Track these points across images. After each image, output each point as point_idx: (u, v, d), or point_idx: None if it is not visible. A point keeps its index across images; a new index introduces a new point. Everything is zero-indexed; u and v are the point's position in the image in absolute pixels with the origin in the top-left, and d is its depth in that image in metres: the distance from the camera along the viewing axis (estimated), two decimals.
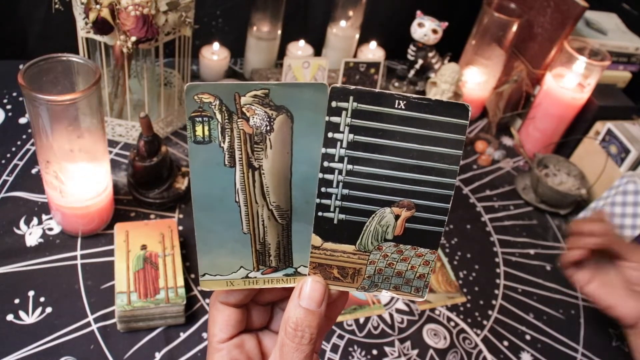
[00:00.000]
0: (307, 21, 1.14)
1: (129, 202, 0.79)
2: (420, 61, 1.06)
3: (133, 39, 0.71)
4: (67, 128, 0.61)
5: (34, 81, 0.59)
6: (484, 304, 0.80)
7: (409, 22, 1.03)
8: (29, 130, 0.85)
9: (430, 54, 1.05)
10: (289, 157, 0.35)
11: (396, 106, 0.33)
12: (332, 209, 0.35)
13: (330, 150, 0.34)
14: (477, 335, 0.75)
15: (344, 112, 0.33)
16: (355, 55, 1.12)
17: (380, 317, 0.74)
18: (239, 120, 0.34)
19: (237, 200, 0.35)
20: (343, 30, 1.08)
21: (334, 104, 0.33)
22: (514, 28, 1.00)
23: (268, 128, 0.34)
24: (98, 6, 0.69)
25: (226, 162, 0.34)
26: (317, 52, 1.10)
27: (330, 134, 0.33)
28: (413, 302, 0.77)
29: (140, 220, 0.77)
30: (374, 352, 0.70)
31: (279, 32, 1.03)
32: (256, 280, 0.37)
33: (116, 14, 0.70)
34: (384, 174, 0.34)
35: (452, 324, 0.76)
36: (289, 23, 1.04)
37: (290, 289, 0.36)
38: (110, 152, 0.85)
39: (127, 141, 0.88)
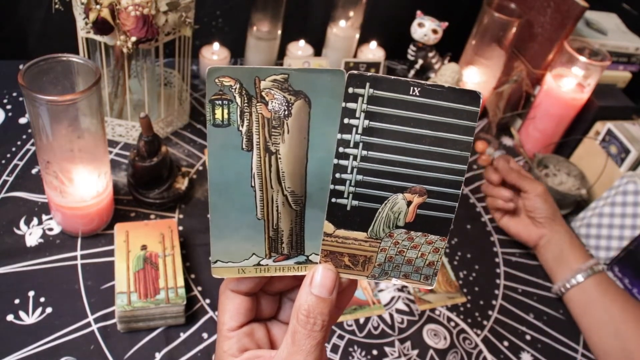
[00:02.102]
0: (307, 21, 1.14)
1: (129, 202, 0.79)
2: (420, 61, 1.06)
3: (133, 39, 0.71)
4: (67, 128, 0.60)
5: (34, 81, 0.59)
6: (484, 304, 0.80)
7: (409, 22, 1.03)
8: (29, 130, 0.85)
9: (430, 54, 1.05)
10: (306, 142, 0.35)
11: (411, 93, 0.33)
12: (345, 195, 0.35)
13: (346, 136, 0.34)
14: (477, 335, 0.75)
15: (360, 99, 0.33)
16: (355, 55, 1.12)
17: (380, 317, 0.74)
18: (258, 104, 0.34)
19: (252, 184, 0.35)
20: (343, 30, 1.08)
21: (350, 90, 0.33)
22: (514, 28, 1.00)
23: (286, 113, 0.34)
24: (98, 6, 0.69)
25: (244, 146, 0.35)
26: (317, 52, 1.10)
27: (346, 120, 0.34)
28: (419, 298, 0.77)
29: (140, 220, 0.77)
30: (374, 352, 0.70)
31: (279, 32, 1.03)
32: (268, 268, 0.37)
33: (116, 14, 0.70)
34: (397, 159, 0.34)
35: (452, 324, 0.76)
36: (289, 23, 1.04)
37: (300, 279, 0.36)
38: (110, 152, 0.85)
39: (127, 141, 0.88)
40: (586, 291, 0.77)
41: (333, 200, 0.35)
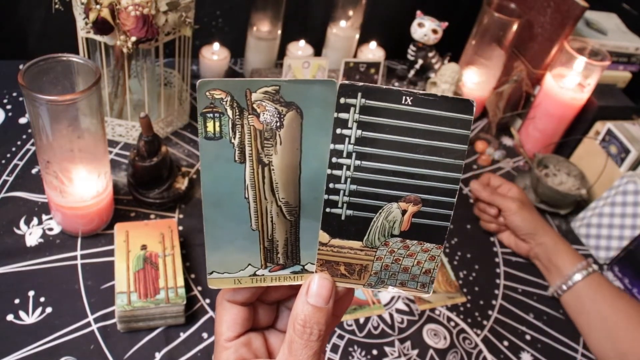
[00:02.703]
0: (307, 21, 1.14)
1: (129, 202, 0.79)
2: (420, 61, 1.06)
3: (133, 39, 0.71)
4: (67, 128, 0.61)
5: (34, 81, 0.59)
6: (484, 304, 0.80)
7: (409, 22, 1.03)
8: (29, 130, 0.85)
9: (430, 54, 1.05)
10: (299, 153, 0.35)
11: (403, 102, 0.33)
12: (339, 205, 0.35)
13: (339, 146, 0.34)
14: (477, 335, 0.75)
15: (352, 109, 0.33)
16: (355, 55, 1.12)
17: (380, 317, 0.74)
18: (249, 116, 0.34)
19: (246, 196, 0.35)
20: (343, 30, 1.08)
21: (342, 100, 0.33)
22: (514, 28, 1.00)
23: (278, 124, 0.34)
24: (98, 6, 0.69)
25: (236, 158, 0.35)
26: (317, 52, 1.10)
27: (338, 130, 0.34)
28: (419, 298, 0.77)
29: (140, 220, 0.77)
30: (374, 352, 0.70)
31: (279, 32, 1.03)
32: (264, 278, 0.37)
33: (116, 14, 0.70)
34: (391, 169, 0.34)
35: (452, 324, 0.76)
36: (289, 23, 1.04)
37: (296, 288, 0.36)
38: (110, 152, 0.85)
39: (127, 141, 0.88)
40: (578, 295, 0.78)
41: (327, 210, 0.35)
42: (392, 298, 0.77)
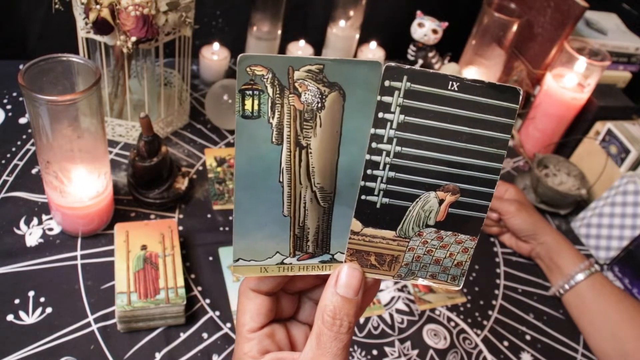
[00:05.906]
0: (307, 21, 1.14)
1: (129, 202, 0.79)
2: (420, 61, 1.06)
3: (133, 39, 0.71)
4: (67, 128, 0.60)
5: (34, 81, 0.59)
6: (484, 304, 0.80)
7: (409, 22, 1.03)
8: (29, 130, 0.85)
9: (430, 54, 1.05)
10: (338, 136, 0.33)
11: (449, 87, 0.32)
12: (376, 192, 0.34)
13: (380, 131, 0.33)
14: (477, 335, 0.75)
15: (396, 92, 0.32)
16: (355, 55, 1.12)
17: (380, 317, 0.74)
18: (290, 95, 0.32)
19: (280, 180, 0.34)
20: (343, 30, 1.08)
21: (387, 83, 0.32)
22: (514, 28, 1.00)
23: (319, 105, 0.33)
24: (98, 6, 0.69)
25: (273, 139, 0.33)
26: (317, 52, 1.10)
27: (380, 114, 0.32)
28: (419, 298, 0.77)
29: (140, 220, 0.77)
30: (374, 352, 0.70)
31: (279, 32, 1.03)
32: (291, 267, 0.36)
33: (116, 14, 0.70)
34: (432, 156, 0.33)
35: (452, 324, 0.76)
36: (289, 23, 1.04)
37: (322, 278, 0.35)
38: (110, 152, 0.85)
39: (127, 141, 0.88)
40: (581, 294, 0.78)
41: (363, 197, 0.34)
42: (392, 298, 0.77)
